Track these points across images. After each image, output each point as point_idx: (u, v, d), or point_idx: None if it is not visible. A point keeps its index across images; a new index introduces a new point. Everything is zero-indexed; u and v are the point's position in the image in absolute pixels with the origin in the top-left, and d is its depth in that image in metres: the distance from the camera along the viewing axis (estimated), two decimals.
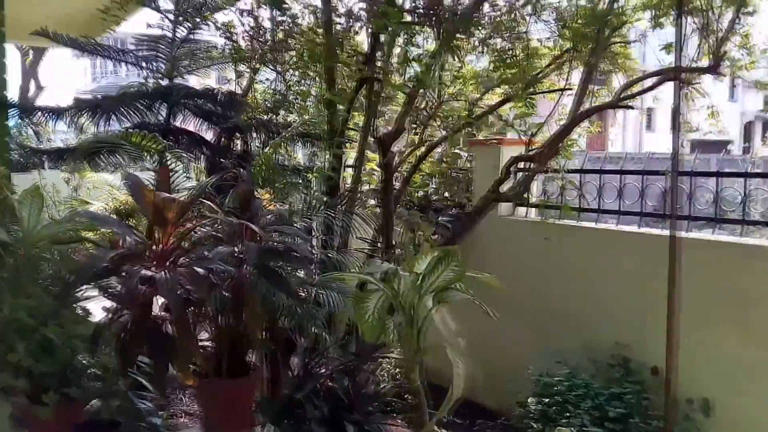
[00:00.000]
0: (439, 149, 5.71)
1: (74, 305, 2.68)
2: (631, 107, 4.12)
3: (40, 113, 4.84)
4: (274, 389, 3.70)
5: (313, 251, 3.43)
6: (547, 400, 4.15)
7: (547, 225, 4.92)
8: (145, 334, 2.32)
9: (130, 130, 3.34)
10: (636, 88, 4.24)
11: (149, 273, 2.21)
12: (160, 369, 2.38)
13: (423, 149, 4.52)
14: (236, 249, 2.68)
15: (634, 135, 29.33)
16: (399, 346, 2.32)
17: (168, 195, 2.22)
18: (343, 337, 3.93)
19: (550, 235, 4.82)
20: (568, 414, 3.98)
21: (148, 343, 2.34)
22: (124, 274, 2.37)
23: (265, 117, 4.62)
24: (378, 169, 4.08)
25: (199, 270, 2.28)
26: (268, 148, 3.54)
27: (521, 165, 4.99)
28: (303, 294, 3.12)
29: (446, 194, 5.99)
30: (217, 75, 5.75)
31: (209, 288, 2.25)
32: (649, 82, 4.14)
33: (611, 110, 5.29)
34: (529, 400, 4.23)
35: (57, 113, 4.85)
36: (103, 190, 7.69)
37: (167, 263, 2.39)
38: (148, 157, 4.87)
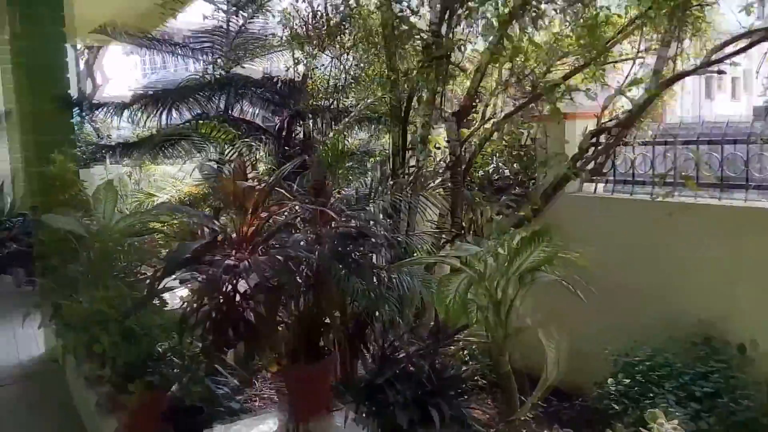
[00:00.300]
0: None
1: (157, 296, 2.71)
2: (724, 72, 3.88)
3: (104, 109, 4.93)
4: (351, 374, 3.70)
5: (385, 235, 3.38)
6: (628, 380, 4.02)
7: (611, 201, 4.74)
8: (230, 322, 2.31)
9: (201, 121, 3.35)
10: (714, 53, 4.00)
11: (232, 261, 2.20)
12: (247, 356, 2.38)
13: (488, 126, 4.36)
14: (313, 235, 2.65)
15: (693, 103, 28.23)
16: (486, 330, 2.24)
17: (248, 183, 2.20)
18: (414, 320, 3.88)
19: (617, 211, 4.65)
20: (651, 394, 3.84)
21: (233, 330, 2.34)
22: (207, 263, 2.38)
23: (326, 102, 4.57)
24: (446, 146, 3.98)
25: (281, 257, 2.25)
26: (333, 133, 3.50)
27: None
28: (377, 278, 3.08)
29: (507, 173, 5.84)
30: (275, 63, 5.75)
31: (290, 275, 2.23)
32: (731, 48, 3.90)
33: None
34: (608, 380, 4.10)
35: (120, 108, 4.93)
36: (166, 182, 7.84)
37: (249, 251, 2.37)
38: (212, 148, 4.92)
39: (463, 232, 3.54)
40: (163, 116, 5.25)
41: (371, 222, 3.03)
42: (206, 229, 2.54)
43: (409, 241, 3.36)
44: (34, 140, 5.40)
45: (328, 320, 3.36)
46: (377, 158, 4.82)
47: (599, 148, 4.44)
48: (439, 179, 3.71)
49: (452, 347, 2.94)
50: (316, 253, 2.56)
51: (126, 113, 4.84)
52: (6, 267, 7.98)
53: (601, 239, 4.77)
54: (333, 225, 2.78)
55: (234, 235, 2.38)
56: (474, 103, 3.22)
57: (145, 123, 5.00)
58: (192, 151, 5.14)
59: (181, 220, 4.45)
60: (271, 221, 2.69)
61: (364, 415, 2.85)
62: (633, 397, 3.97)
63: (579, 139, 5.15)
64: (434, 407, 2.67)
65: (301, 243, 2.53)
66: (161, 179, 8.08)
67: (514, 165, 5.78)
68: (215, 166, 2.80)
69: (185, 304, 2.74)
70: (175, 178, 7.57)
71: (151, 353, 3.30)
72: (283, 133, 3.99)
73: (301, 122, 3.99)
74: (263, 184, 2.31)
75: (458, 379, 2.83)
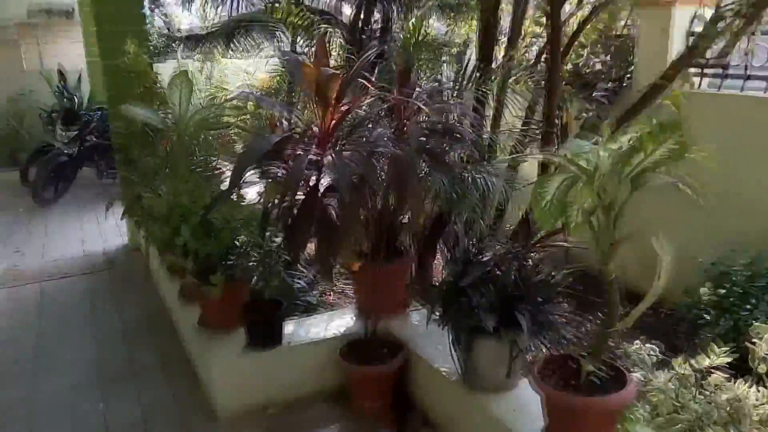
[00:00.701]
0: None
1: (237, 189, 2.63)
2: None
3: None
4: (428, 274, 3.62)
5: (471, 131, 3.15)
6: (723, 291, 3.78)
7: (719, 97, 4.29)
8: (312, 218, 2.21)
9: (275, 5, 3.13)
10: None
11: (314, 156, 2.06)
12: (329, 253, 2.29)
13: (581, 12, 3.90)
14: (396, 129, 2.47)
15: None
16: (592, 235, 2.04)
17: (331, 70, 2.01)
18: (494, 223, 3.72)
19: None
20: (749, 306, 3.61)
21: (316, 227, 2.24)
22: (288, 157, 2.25)
23: None
24: (541, 33, 3.61)
25: (365, 152, 2.09)
26: (413, 19, 3.21)
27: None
28: (461, 177, 2.90)
29: (598, 66, 5.38)
30: None
31: (375, 171, 2.08)
32: None
33: None
34: (700, 290, 3.88)
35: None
36: (237, 75, 7.73)
37: (331, 145, 2.23)
38: (284, 37, 4.71)
39: (556, 129, 3.26)
40: (233, 4, 5.04)
41: (457, 116, 2.82)
42: (285, 122, 2.40)
43: (495, 138, 3.14)
44: (107, 31, 5.34)
45: (407, 219, 3.25)
46: (458, 48, 4.48)
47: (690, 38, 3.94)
48: (529, 71, 3.39)
49: (541, 252, 2.77)
50: (401, 149, 2.38)
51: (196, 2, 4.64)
52: (87, 159, 8.22)
53: (706, 140, 4.37)
54: (417, 119, 2.58)
55: (315, 128, 2.22)
56: None
57: (216, 12, 4.81)
58: (263, 41, 4.95)
59: (257, 112, 4.36)
60: (352, 114, 2.52)
61: (446, 316, 2.77)
62: (726, 307, 3.75)
63: (680, 30, 4.65)
64: (521, 312, 2.56)
65: (385, 138, 2.36)
66: (232, 73, 7.98)
67: (608, 58, 5.31)
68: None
69: (265, 198, 2.65)
70: (246, 72, 7.45)
71: (231, 246, 3.30)
72: (359, 20, 3.71)
73: (376, 7, 3.69)
74: (346, 72, 2.12)
75: (547, 284, 2.68)
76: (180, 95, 3.46)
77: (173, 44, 6.80)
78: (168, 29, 10.26)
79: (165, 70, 5.87)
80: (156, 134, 4.59)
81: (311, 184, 2.32)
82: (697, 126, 3.59)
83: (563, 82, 4.93)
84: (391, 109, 2.66)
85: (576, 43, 5.11)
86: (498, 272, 2.65)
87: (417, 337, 3.30)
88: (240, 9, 5.13)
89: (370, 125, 2.53)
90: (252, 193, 3.41)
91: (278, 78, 6.00)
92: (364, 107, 2.38)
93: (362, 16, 3.65)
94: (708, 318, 3.79)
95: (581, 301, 3.12)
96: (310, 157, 2.05)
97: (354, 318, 3.57)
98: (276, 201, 2.33)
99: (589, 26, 5.00)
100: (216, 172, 4.07)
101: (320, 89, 2.06)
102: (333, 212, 2.37)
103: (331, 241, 2.27)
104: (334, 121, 2.19)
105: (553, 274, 2.75)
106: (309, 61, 2.32)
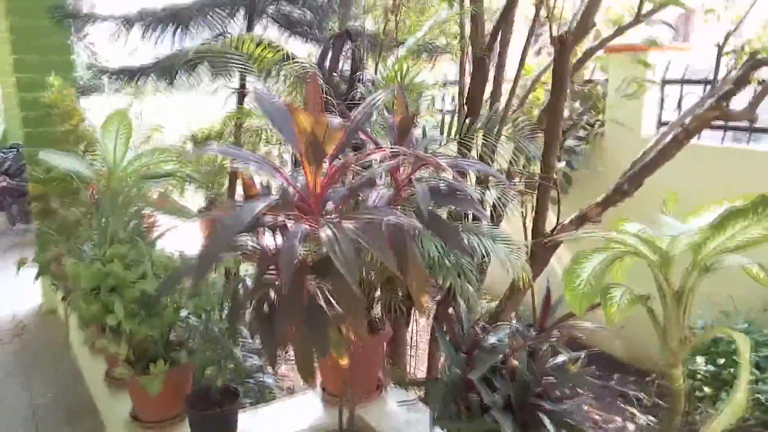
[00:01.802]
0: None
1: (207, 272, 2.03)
2: None
3: (114, 24, 4.16)
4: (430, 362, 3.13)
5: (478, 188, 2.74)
6: (722, 360, 3.48)
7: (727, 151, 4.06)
8: (300, 307, 1.69)
9: (242, 36, 2.64)
10: None
11: (308, 227, 1.56)
12: (318, 350, 1.77)
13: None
14: (396, 190, 2.01)
15: None
16: (657, 330, 1.65)
17: (337, 119, 1.53)
18: (500, 304, 3.30)
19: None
20: (755, 378, 3.31)
21: (304, 317, 1.72)
22: (270, 227, 1.74)
23: (374, 24, 3.82)
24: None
25: (373, 224, 1.62)
26: (395, 62, 2.80)
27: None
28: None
29: (566, 113, 5.13)
30: None
31: (386, 247, 1.60)
32: None
33: None
34: (697, 359, 3.57)
35: (127, 23, 4.16)
36: (173, 114, 7.11)
37: (325, 213, 1.73)
38: (233, 74, 4.20)
39: (555, 182, 2.90)
40: (176, 36, 4.51)
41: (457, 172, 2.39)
42: (257, 179, 1.89)
43: (501, 195, 2.74)
44: (26, 61, 4.68)
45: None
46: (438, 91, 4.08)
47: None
48: (522, 118, 3.02)
49: (555, 337, 2.34)
50: (405, 214, 1.92)
51: (136, 29, 4.07)
52: None
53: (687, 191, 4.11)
54: (416, 178, 2.13)
55: (302, 191, 1.72)
56: (592, 25, 2.49)
57: (156, 42, 4.26)
58: (211, 78, 4.44)
59: (210, 160, 3.81)
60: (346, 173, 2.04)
61: (445, 416, 2.28)
62: (725, 379, 3.46)
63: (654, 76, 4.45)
64: (545, 412, 2.11)
65: (387, 202, 1.90)
66: (167, 111, 7.36)
67: (576, 104, 5.07)
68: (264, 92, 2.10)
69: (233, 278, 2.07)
70: (185, 109, 6.86)
71: (174, 323, 2.71)
72: (326, 60, 3.28)
73: (350, 46, 3.27)
74: (348, 122, 1.65)
75: (570, 375, 2.24)
76: (115, 140, 2.88)
77: (100, 78, 6.12)
78: (94, 61, 9.53)
79: (88, 106, 5.23)
80: (82, 182, 3.96)
81: (297, 262, 1.83)
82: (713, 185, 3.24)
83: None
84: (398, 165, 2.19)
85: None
86: (515, 362, 2.19)
87: (398, 429, 2.79)
88: (183, 41, 4.60)
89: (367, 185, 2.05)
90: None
91: (225, 120, 5.48)
92: (359, 165, 1.89)
93: (329, 55, 3.23)
94: (707, 391, 3.48)
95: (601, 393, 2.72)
96: (302, 228, 1.55)
97: (321, 404, 3.02)
98: (253, 284, 1.80)
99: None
100: (152, 228, 3.48)
101: (316, 143, 1.57)
102: (321, 297, 1.86)
103: (319, 335, 1.77)
104: (326, 183, 1.71)
105: (569, 361, 2.32)
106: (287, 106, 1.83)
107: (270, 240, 1.97)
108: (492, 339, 2.34)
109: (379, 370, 3.14)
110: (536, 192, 3.02)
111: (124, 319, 2.53)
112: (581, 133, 4.82)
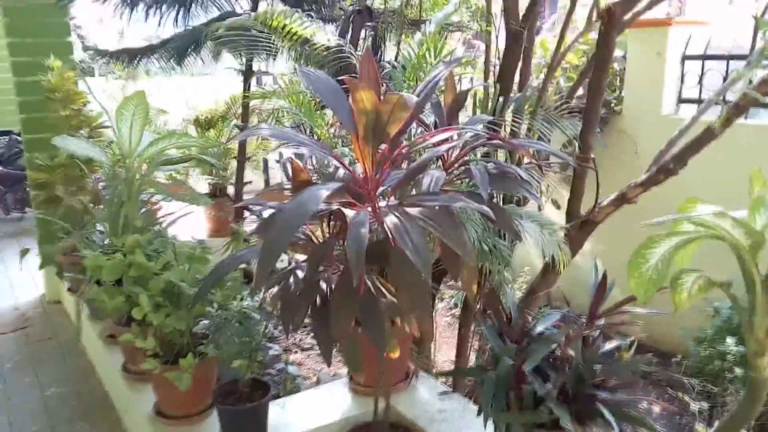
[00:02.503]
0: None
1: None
2: None
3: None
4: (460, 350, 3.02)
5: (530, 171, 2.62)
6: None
7: None
8: (357, 300, 1.58)
9: (266, 11, 2.48)
10: None
11: (370, 215, 1.45)
12: (378, 342, 1.67)
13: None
14: (452, 174, 1.90)
15: None
16: (744, 320, 1.56)
17: (407, 95, 1.41)
18: (532, 287, 3.20)
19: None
20: None
21: (362, 310, 1.62)
22: (326, 216, 1.62)
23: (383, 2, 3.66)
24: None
25: (441, 210, 1.50)
26: (425, 39, 2.66)
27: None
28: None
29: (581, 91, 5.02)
30: None
31: (461, 235, 1.49)
32: None
33: None
34: (727, 339, 3.50)
35: (131, 3, 3.98)
36: (170, 97, 6.91)
37: (390, 199, 1.62)
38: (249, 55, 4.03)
39: (594, 162, 2.79)
40: (180, 15, 4.34)
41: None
42: (298, 163, 1.76)
43: (531, 175, 2.63)
44: (22, 44, 4.48)
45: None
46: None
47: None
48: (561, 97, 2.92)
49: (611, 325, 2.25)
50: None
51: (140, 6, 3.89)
52: None
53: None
54: (465, 161, 2.02)
55: (361, 175, 1.60)
56: None
57: (160, 22, 4.08)
58: (218, 59, 4.28)
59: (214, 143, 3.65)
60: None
61: (494, 407, 2.18)
62: None
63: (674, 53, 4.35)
64: (603, 403, 2.02)
65: (443, 185, 1.79)
66: (164, 94, 7.15)
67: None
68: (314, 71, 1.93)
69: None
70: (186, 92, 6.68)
71: (202, 315, 2.60)
72: (347, 39, 3.12)
73: (370, 25, 3.12)
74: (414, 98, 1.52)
75: (625, 364, 2.16)
76: (131, 124, 2.73)
77: (96, 60, 5.92)
78: (83, 43, 9.26)
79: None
80: (89, 166, 3.80)
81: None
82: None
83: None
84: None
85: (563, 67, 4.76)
86: (570, 351, 2.10)
87: (433, 420, 2.70)
88: (187, 21, 4.43)
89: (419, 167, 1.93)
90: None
91: (231, 101, 5.32)
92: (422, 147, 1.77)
93: (349, 34, 3.08)
94: (738, 372, 3.43)
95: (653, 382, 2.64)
96: (364, 216, 1.43)
97: (350, 394, 2.93)
98: (309, 275, 1.68)
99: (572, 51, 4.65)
100: (160, 215, 3.33)
101: (379, 122, 1.45)
102: (373, 288, 1.75)
103: (377, 329, 1.66)
104: (386, 167, 1.59)
105: (620, 348, 2.24)
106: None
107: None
108: (539, 327, 2.25)
109: (408, 358, 3.05)
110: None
111: (150, 312, 2.41)
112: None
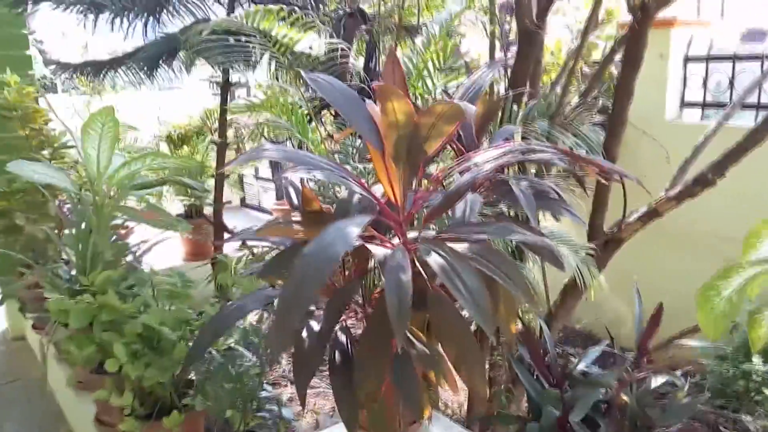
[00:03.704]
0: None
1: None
2: None
3: (81, 8, 3.59)
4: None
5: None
6: None
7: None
8: (389, 354, 1.28)
9: (269, 7, 2.16)
10: None
11: (404, 251, 1.15)
12: (412, 405, 1.37)
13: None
14: (492, 198, 1.61)
15: None
16: None
17: (450, 103, 1.12)
18: (551, 312, 2.92)
19: None
20: None
21: (395, 367, 1.32)
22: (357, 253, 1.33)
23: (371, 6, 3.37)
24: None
25: (484, 246, 1.22)
26: (432, 41, 2.39)
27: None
28: None
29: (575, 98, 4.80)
30: None
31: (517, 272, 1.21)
32: None
33: None
34: (753, 358, 3.27)
35: (96, 8, 3.62)
36: (138, 113, 6.53)
37: (422, 231, 1.32)
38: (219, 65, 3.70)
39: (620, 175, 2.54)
40: (148, 24, 4.00)
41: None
42: (309, 190, 1.45)
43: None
44: None
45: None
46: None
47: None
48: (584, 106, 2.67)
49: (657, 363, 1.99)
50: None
51: (106, 15, 3.54)
52: None
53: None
54: (502, 179, 1.73)
55: (389, 205, 1.30)
56: None
57: (127, 33, 3.74)
58: (187, 69, 3.95)
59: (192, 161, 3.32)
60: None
61: None
62: None
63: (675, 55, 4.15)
64: None
65: (477, 210, 1.51)
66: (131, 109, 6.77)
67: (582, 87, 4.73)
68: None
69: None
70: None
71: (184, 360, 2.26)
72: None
73: (364, 29, 2.83)
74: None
75: (683, 409, 1.89)
76: (99, 144, 2.39)
77: (59, 75, 5.53)
78: (44, 57, 8.82)
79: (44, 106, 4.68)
80: (51, 192, 3.43)
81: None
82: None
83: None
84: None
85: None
86: (625, 397, 1.82)
87: None
88: (155, 30, 4.08)
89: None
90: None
91: (206, 114, 4.99)
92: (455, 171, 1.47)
93: (346, 35, 2.79)
94: (766, 393, 3.20)
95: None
96: (399, 255, 1.13)
97: None
98: (326, 325, 1.37)
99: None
100: (133, 243, 2.98)
101: (416, 138, 1.16)
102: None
103: (411, 390, 1.36)
104: (421, 194, 1.29)
105: (674, 385, 1.97)
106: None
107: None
108: (581, 366, 1.97)
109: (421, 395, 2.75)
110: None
111: (127, 364, 2.07)
112: (597, 118, 4.48)
